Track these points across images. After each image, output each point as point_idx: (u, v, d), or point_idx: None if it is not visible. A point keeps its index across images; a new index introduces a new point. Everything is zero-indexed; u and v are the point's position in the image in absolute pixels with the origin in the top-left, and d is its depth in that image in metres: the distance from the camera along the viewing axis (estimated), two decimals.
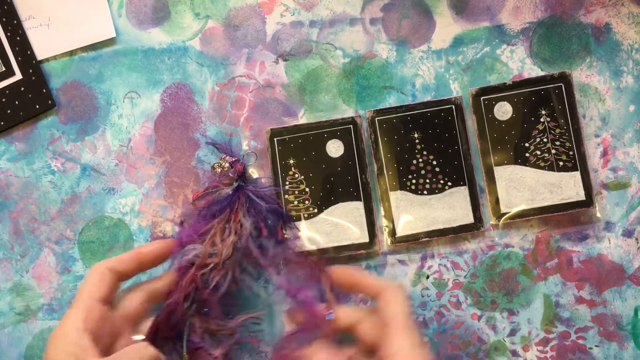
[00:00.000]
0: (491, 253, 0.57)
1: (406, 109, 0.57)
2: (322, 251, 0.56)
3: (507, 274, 0.57)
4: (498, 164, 0.56)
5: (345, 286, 0.52)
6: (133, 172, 0.58)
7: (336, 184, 0.57)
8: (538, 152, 0.56)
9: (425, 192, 0.56)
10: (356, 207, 0.56)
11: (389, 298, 0.48)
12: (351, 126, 0.57)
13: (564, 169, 0.56)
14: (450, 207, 0.56)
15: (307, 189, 0.56)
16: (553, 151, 0.56)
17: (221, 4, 0.60)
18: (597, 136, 0.58)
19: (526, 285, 0.57)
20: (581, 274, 0.57)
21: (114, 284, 0.48)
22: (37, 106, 0.59)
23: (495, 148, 0.56)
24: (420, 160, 0.56)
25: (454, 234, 0.56)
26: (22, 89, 0.59)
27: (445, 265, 0.57)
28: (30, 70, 0.59)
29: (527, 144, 0.56)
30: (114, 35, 0.59)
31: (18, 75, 0.59)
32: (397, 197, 0.56)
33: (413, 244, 0.57)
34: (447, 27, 0.59)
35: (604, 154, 0.58)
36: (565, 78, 0.56)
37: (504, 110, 0.56)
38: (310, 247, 0.56)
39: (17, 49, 0.59)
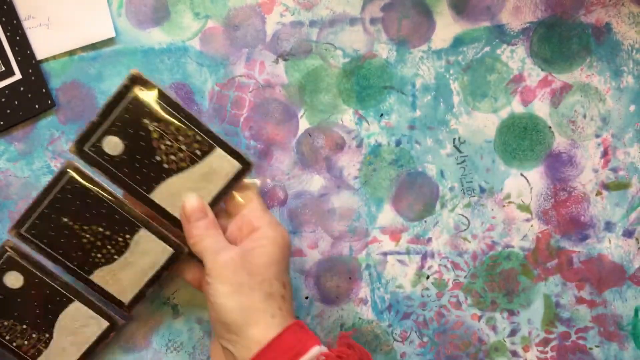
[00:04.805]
0: (491, 253, 0.57)
1: None
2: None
3: (507, 274, 0.57)
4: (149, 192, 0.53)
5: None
6: None
7: None
8: (172, 157, 0.53)
9: None
10: None
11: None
12: None
13: (205, 154, 0.53)
14: None
15: None
16: (183, 147, 0.53)
17: (221, 3, 0.60)
18: (597, 136, 0.58)
19: (526, 286, 0.57)
20: (581, 274, 0.57)
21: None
22: (37, 106, 0.59)
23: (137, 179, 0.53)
24: None
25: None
26: (22, 88, 0.58)
27: (445, 266, 0.57)
28: (30, 70, 0.59)
29: (157, 158, 0.53)
30: (113, 35, 0.59)
31: (17, 75, 0.59)
32: None
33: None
34: (447, 27, 0.59)
35: (605, 154, 0.58)
36: (135, 81, 0.52)
37: (113, 144, 0.52)
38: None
39: (16, 48, 0.59)
